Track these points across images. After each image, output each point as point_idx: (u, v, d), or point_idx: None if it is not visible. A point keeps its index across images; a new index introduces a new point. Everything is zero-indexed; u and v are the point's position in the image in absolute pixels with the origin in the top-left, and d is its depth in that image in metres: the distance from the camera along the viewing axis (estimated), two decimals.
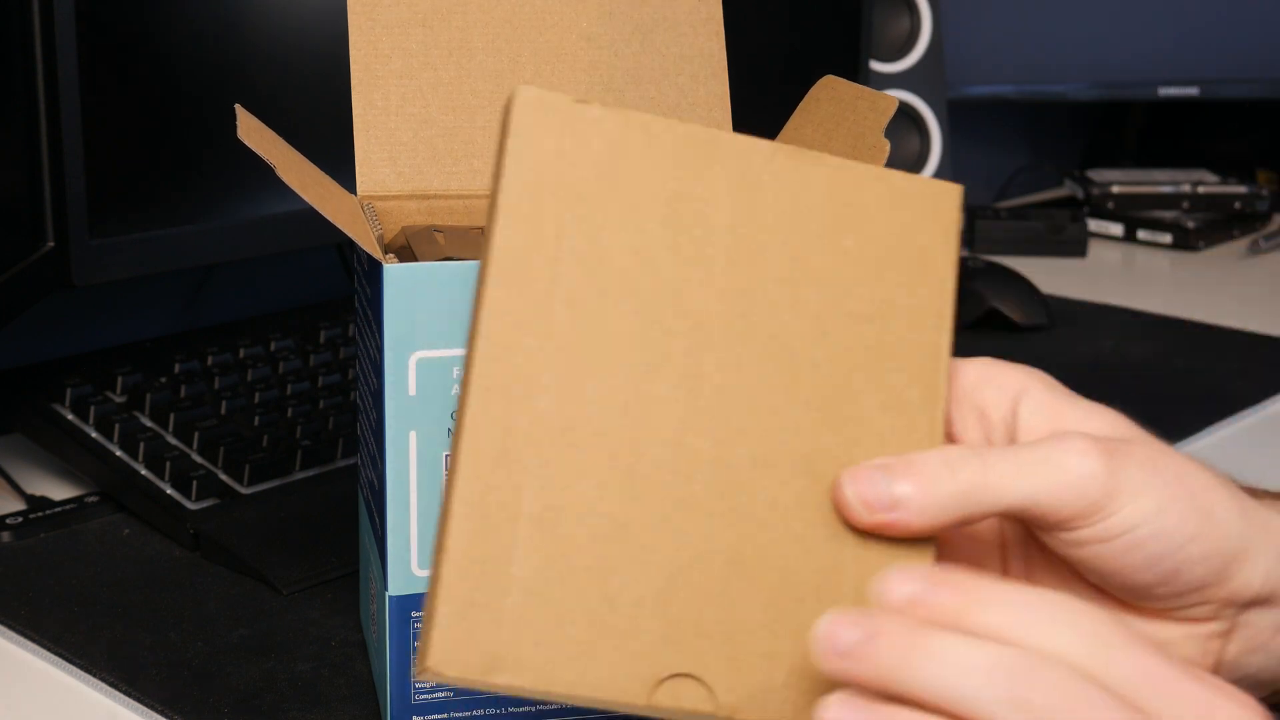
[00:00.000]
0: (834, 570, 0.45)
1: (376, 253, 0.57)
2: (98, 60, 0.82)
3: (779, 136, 0.66)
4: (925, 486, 0.45)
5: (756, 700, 0.43)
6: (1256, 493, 0.52)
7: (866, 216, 0.47)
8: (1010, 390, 0.49)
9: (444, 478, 0.42)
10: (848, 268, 0.46)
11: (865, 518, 0.45)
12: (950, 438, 0.50)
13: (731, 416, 0.44)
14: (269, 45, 0.91)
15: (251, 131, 0.56)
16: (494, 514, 0.42)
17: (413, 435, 0.58)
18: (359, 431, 0.67)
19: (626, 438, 0.43)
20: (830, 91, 0.63)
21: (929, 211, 0.48)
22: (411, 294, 0.57)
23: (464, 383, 0.43)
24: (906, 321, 0.47)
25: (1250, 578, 0.48)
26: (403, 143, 0.65)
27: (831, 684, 0.43)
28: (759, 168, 0.46)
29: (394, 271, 0.56)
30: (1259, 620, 0.49)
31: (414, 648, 0.60)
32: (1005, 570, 0.51)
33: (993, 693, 0.39)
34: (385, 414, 0.58)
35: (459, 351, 0.57)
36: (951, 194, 0.48)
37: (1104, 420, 0.49)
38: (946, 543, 0.50)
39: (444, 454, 0.58)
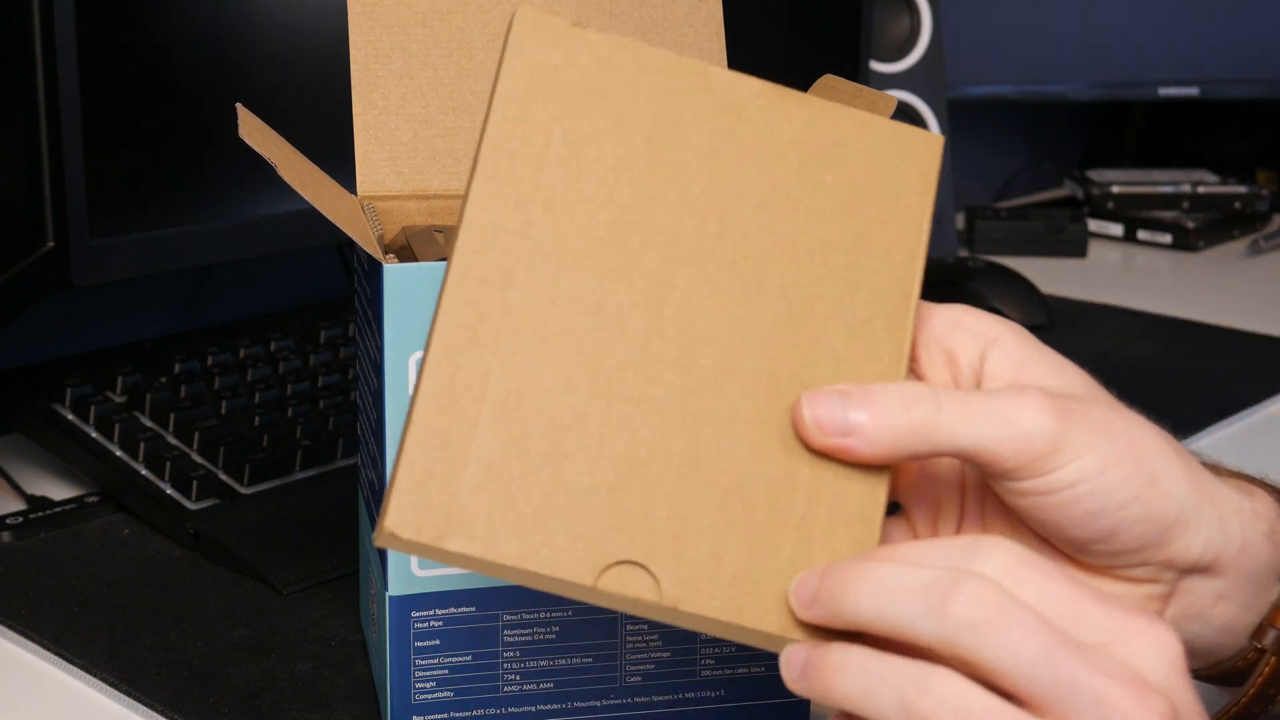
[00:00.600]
0: (787, 481, 0.46)
1: (376, 253, 0.57)
2: (98, 60, 0.82)
3: None
4: (879, 418, 0.46)
5: (701, 594, 0.45)
6: (1219, 470, 0.54)
7: (846, 155, 0.49)
8: (981, 337, 0.51)
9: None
10: (824, 200, 0.48)
11: (818, 439, 0.46)
12: (918, 378, 0.51)
13: (697, 326, 0.46)
14: (269, 45, 0.91)
15: (253, 130, 0.56)
16: (460, 393, 0.44)
17: None
18: (359, 431, 0.67)
19: (593, 336, 0.46)
20: (829, 90, 0.63)
21: (910, 156, 0.49)
22: (411, 294, 0.57)
23: (446, 270, 0.45)
24: (878, 256, 0.48)
25: (1190, 545, 0.49)
26: (403, 143, 0.65)
27: (773, 585, 0.45)
28: (745, 100, 0.48)
29: (394, 271, 0.56)
30: (1199, 587, 0.50)
31: (414, 648, 0.60)
32: (962, 511, 0.53)
33: (913, 608, 0.42)
34: (385, 414, 0.58)
35: None
36: (933, 142, 0.50)
37: (1068, 376, 0.50)
38: (908, 480, 0.52)
39: None
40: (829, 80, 0.64)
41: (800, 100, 0.48)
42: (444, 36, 0.66)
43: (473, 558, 0.43)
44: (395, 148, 0.65)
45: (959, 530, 0.52)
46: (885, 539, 0.52)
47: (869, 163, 0.49)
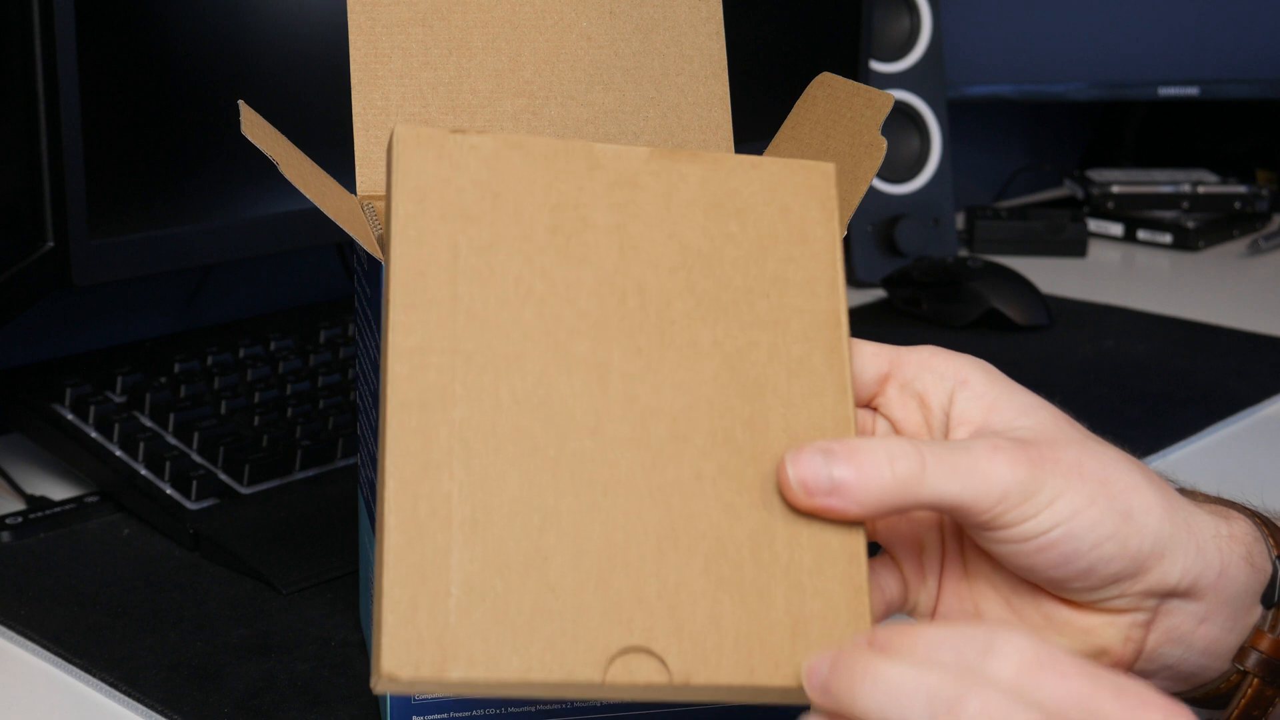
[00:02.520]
0: (765, 533, 0.46)
1: (376, 252, 0.57)
2: (98, 60, 0.82)
3: (776, 135, 0.66)
4: (864, 476, 0.46)
5: (709, 664, 0.45)
6: (1196, 495, 0.54)
7: (746, 202, 0.49)
8: (950, 379, 0.51)
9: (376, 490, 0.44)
10: (734, 250, 0.49)
11: (804, 501, 0.46)
12: (892, 423, 0.52)
13: (642, 400, 0.47)
14: (269, 45, 0.91)
15: (254, 127, 0.56)
16: (426, 522, 0.44)
17: None
18: (359, 431, 0.67)
19: (546, 434, 0.45)
20: (826, 89, 0.63)
21: (805, 189, 0.50)
22: None
23: (381, 403, 0.45)
24: (799, 293, 0.49)
25: (1167, 573, 0.50)
26: None
27: (776, 638, 0.45)
28: (636, 169, 0.48)
29: None
30: (1180, 612, 0.51)
31: None
32: (943, 549, 0.53)
33: (921, 716, 0.41)
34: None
35: None
36: (824, 171, 0.50)
37: (1037, 416, 0.50)
38: (888, 522, 0.53)
39: None
40: (826, 79, 0.64)
41: (690, 158, 0.49)
42: (444, 36, 0.66)
43: (476, 681, 0.43)
44: None
45: (942, 568, 0.53)
46: (873, 579, 0.52)
47: (768, 204, 0.49)
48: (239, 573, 0.77)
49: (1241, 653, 0.52)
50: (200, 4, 0.87)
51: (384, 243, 0.46)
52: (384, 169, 0.65)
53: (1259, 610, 0.53)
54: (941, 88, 1.41)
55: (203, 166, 0.89)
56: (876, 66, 1.38)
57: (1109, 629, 0.50)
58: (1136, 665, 0.51)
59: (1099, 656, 0.50)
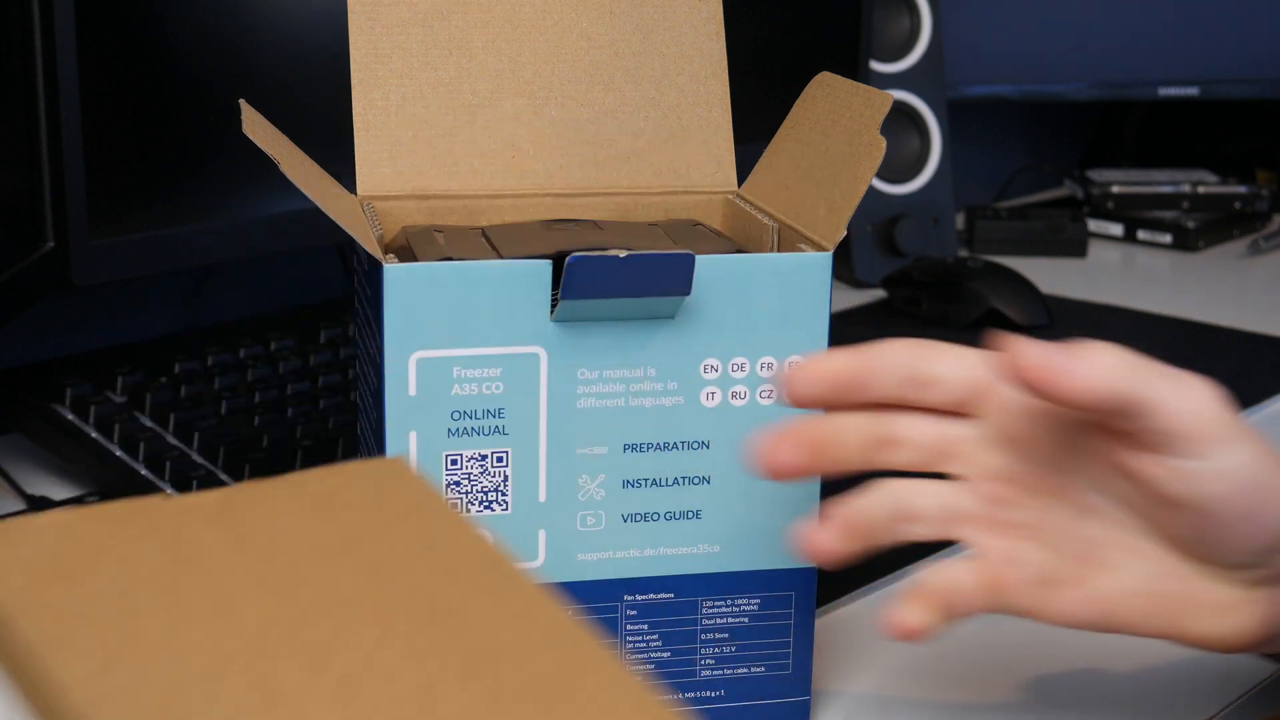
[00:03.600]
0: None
1: (377, 253, 0.57)
2: (98, 60, 0.82)
3: (776, 135, 0.66)
4: (1101, 355, 0.49)
5: None
6: None
7: (348, 504, 0.38)
8: None
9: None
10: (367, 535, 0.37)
11: (1037, 375, 0.48)
12: None
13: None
14: (269, 45, 0.91)
15: (255, 127, 0.56)
16: None
17: (413, 435, 0.58)
18: (359, 431, 0.67)
19: None
20: (825, 89, 0.63)
21: (392, 484, 0.39)
22: (411, 294, 0.57)
23: None
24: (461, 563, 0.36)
25: None
26: (403, 143, 0.65)
27: None
28: (211, 511, 0.37)
29: (394, 271, 0.56)
30: None
31: None
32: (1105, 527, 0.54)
33: None
34: (385, 414, 0.58)
35: (459, 351, 0.58)
36: (395, 465, 0.40)
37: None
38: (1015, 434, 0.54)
39: (444, 454, 0.58)
40: (826, 78, 0.64)
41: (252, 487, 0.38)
42: (444, 36, 0.66)
43: None
44: (395, 148, 0.65)
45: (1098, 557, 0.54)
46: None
47: (378, 514, 0.38)
48: None
49: None
50: (200, 4, 0.87)
51: None
52: (385, 169, 0.65)
53: None
54: (941, 88, 1.41)
55: (203, 166, 0.89)
56: (876, 66, 1.38)
57: (1246, 608, 0.52)
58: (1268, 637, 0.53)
59: (1237, 639, 0.52)
